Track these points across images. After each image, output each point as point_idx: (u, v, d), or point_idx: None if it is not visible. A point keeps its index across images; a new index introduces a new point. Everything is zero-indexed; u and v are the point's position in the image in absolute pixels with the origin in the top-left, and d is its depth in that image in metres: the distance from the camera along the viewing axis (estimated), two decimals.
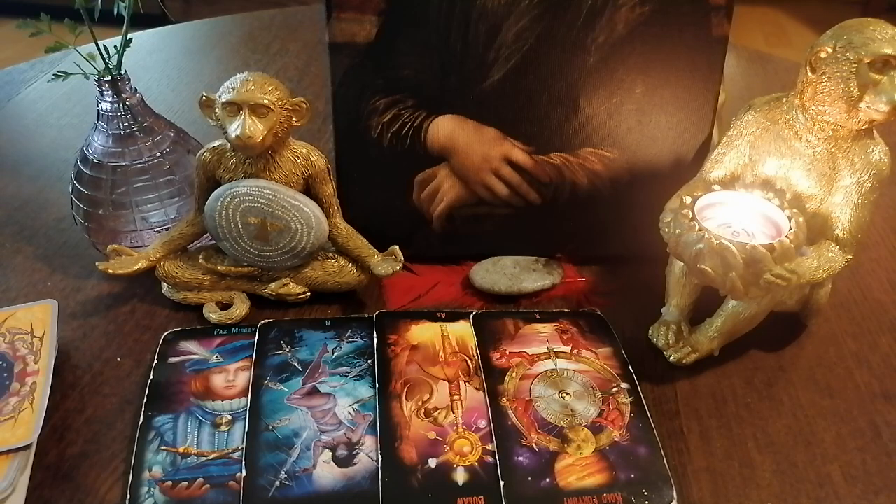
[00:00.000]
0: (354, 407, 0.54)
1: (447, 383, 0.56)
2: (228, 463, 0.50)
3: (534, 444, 0.52)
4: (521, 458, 0.51)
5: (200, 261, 0.64)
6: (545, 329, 0.62)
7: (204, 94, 0.57)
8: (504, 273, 0.66)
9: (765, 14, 2.85)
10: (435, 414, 0.54)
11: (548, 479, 0.50)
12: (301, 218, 0.60)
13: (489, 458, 0.51)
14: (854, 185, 0.54)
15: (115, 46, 0.61)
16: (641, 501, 0.49)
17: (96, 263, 0.62)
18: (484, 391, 0.56)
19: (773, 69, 1.10)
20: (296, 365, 0.58)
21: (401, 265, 0.62)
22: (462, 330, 0.61)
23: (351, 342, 0.60)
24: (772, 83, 1.05)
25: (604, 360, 0.59)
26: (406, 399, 0.55)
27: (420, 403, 0.55)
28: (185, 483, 0.49)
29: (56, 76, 0.61)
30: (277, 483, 0.49)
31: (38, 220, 0.75)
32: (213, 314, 0.62)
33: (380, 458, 0.50)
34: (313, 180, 0.60)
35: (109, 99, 0.62)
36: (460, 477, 0.50)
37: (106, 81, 0.61)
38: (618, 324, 0.63)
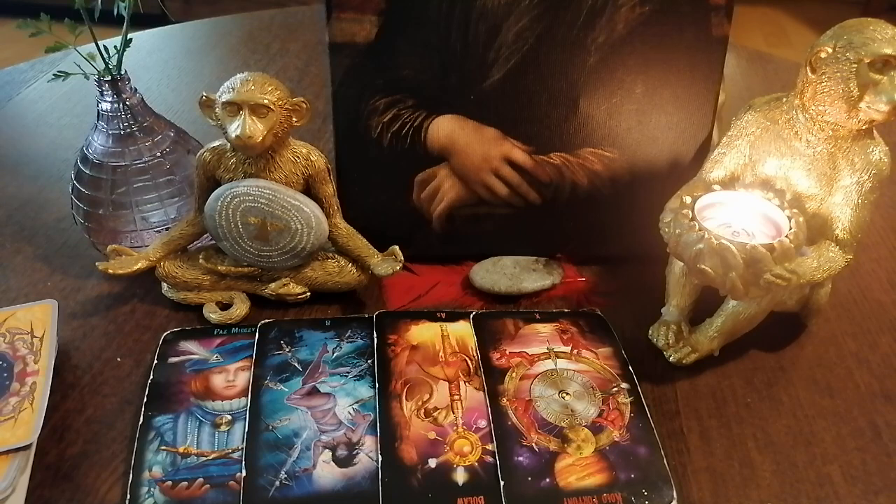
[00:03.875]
0: (354, 407, 0.54)
1: (447, 383, 0.56)
2: (228, 463, 0.50)
3: (534, 444, 0.52)
4: (521, 458, 0.51)
5: (200, 261, 0.64)
6: (545, 329, 0.62)
7: (204, 94, 0.57)
8: (504, 273, 0.66)
9: (765, 14, 2.86)
10: (435, 414, 0.54)
11: (548, 479, 0.50)
12: (301, 218, 0.60)
13: (489, 458, 0.51)
14: (854, 185, 0.54)
15: (115, 46, 0.61)
16: (641, 501, 0.49)
17: (96, 263, 0.62)
18: (484, 391, 0.56)
19: (773, 69, 1.10)
20: (296, 365, 0.58)
21: (401, 265, 0.62)
22: (462, 330, 0.61)
23: (351, 342, 0.60)
24: (772, 83, 1.05)
25: (604, 360, 0.59)
26: (406, 399, 0.55)
27: (420, 403, 0.55)
28: (185, 483, 0.49)
29: (56, 76, 0.61)
30: (277, 483, 0.49)
31: (38, 220, 0.75)
32: (213, 314, 0.62)
33: (380, 458, 0.50)
34: (313, 180, 0.60)
35: (109, 99, 0.62)
36: (460, 477, 0.50)
37: (106, 81, 0.61)
38: (618, 324, 0.63)
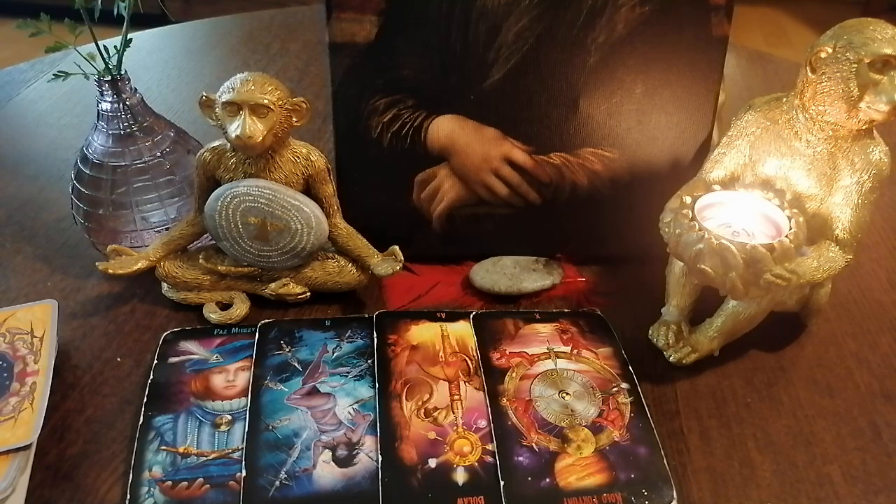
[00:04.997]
0: (354, 407, 0.54)
1: (447, 383, 0.56)
2: (228, 463, 0.50)
3: (534, 444, 0.52)
4: (521, 458, 0.51)
5: (200, 261, 0.64)
6: (545, 329, 0.62)
7: (204, 94, 0.57)
8: (504, 273, 0.66)
9: (765, 14, 2.86)
10: (435, 414, 0.54)
11: (548, 479, 0.50)
12: (301, 218, 0.60)
13: (489, 458, 0.51)
14: (854, 185, 0.54)
15: (115, 46, 0.61)
16: (641, 501, 0.49)
17: (96, 263, 0.62)
18: (484, 391, 0.56)
19: (773, 69, 1.10)
20: (296, 365, 0.58)
21: (401, 265, 0.62)
22: (462, 330, 0.61)
23: (351, 342, 0.60)
24: (772, 83, 1.05)
25: (604, 360, 0.59)
26: (406, 399, 0.55)
27: (420, 403, 0.55)
28: (185, 483, 0.49)
29: (56, 76, 0.61)
30: (277, 483, 0.49)
31: (38, 220, 0.75)
32: (213, 314, 0.62)
33: (380, 458, 0.50)
34: (313, 180, 0.60)
35: (109, 99, 0.62)
36: (460, 477, 0.50)
37: (106, 81, 0.61)
38: (618, 324, 0.63)
